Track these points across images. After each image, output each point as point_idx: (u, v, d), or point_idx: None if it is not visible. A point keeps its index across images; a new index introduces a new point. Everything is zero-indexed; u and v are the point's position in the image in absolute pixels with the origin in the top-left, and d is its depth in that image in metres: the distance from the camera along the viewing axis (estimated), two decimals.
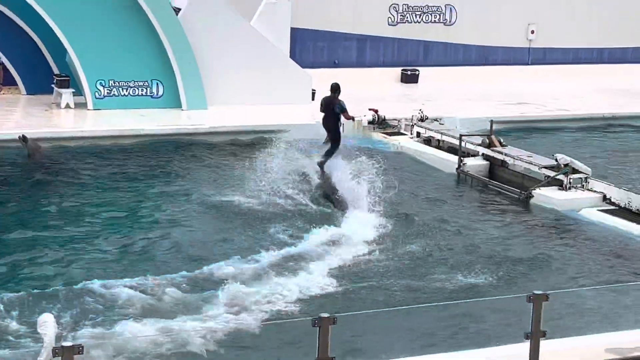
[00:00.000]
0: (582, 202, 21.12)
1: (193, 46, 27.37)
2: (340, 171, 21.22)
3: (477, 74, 34.28)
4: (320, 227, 18.79)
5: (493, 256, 17.94)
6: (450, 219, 20.07)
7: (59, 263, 16.75)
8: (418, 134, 26.22)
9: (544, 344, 11.26)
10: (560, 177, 21.65)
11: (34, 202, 20.18)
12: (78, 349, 9.28)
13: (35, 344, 12.80)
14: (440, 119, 26.79)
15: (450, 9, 34.60)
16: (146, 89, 27.51)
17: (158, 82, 27.53)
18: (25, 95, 28.41)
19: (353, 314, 13.62)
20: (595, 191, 21.36)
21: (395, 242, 18.30)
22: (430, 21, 34.47)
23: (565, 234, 19.73)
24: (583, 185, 21.61)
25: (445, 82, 33.04)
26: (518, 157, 22.88)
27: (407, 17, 34.17)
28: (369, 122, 26.95)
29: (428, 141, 25.82)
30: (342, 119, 21.86)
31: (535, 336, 11.16)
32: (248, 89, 28.10)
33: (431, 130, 25.90)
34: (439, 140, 25.53)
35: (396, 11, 34.03)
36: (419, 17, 34.33)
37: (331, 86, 21.75)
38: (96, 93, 27.05)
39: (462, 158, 23.62)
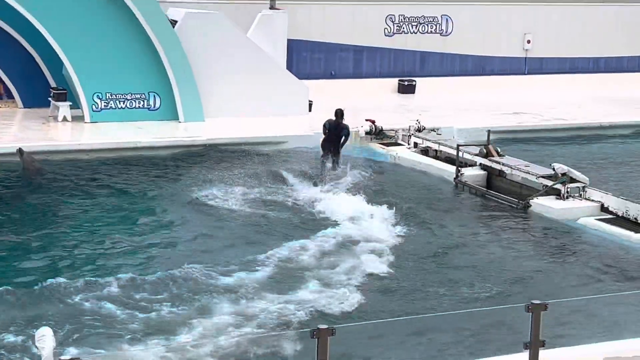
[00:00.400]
0: (580, 211, 21.12)
1: (190, 58, 27.39)
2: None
3: (474, 84, 34.35)
4: (319, 236, 18.82)
5: (490, 266, 17.92)
6: (448, 229, 20.07)
7: (55, 274, 16.71)
8: (415, 145, 26.23)
9: (543, 354, 11.24)
10: (558, 186, 21.66)
11: (27, 215, 20.15)
12: None
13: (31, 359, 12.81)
14: (438, 129, 26.81)
15: (447, 19, 34.67)
16: (143, 101, 27.53)
17: (155, 94, 27.55)
18: (23, 108, 28.42)
19: (351, 325, 13.60)
20: (593, 200, 21.37)
21: (393, 253, 18.28)
22: (427, 32, 34.54)
23: (563, 243, 19.72)
24: (581, 195, 21.62)
25: (442, 93, 33.10)
26: (515, 166, 22.89)
27: (403, 28, 34.23)
28: (366, 133, 26.95)
29: (425, 151, 25.82)
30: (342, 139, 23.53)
31: (534, 346, 11.14)
32: (245, 100, 28.13)
33: (428, 140, 25.92)
34: (436, 150, 25.53)
35: (392, 22, 34.09)
36: (416, 28, 34.39)
37: (336, 112, 23.49)
38: (93, 106, 27.06)
39: (459, 168, 23.63)
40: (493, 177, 23.42)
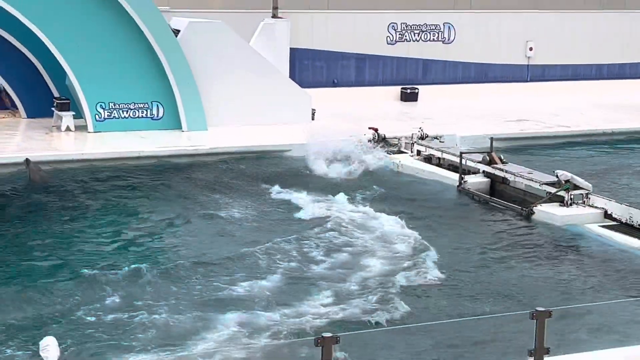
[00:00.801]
0: (583, 218, 21.10)
1: (192, 68, 27.44)
2: None
3: (477, 91, 34.39)
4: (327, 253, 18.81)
5: (494, 273, 17.91)
6: (452, 237, 20.06)
7: (59, 284, 16.72)
8: (418, 152, 26.23)
9: None
10: (561, 193, 21.65)
11: (31, 225, 20.16)
12: None
13: None
14: (441, 137, 26.81)
15: (449, 27, 34.71)
16: (146, 110, 27.57)
17: (158, 103, 27.60)
18: (26, 118, 28.47)
19: (356, 333, 13.60)
20: (596, 207, 21.35)
21: (397, 261, 18.27)
22: (429, 39, 34.58)
23: (567, 250, 19.70)
24: (584, 201, 21.60)
25: (445, 100, 33.13)
26: (519, 173, 22.89)
27: (405, 36, 34.28)
28: (369, 141, 26.97)
29: (428, 159, 25.83)
30: None
31: (539, 353, 11.13)
32: (248, 109, 28.16)
33: (431, 148, 25.92)
34: (439, 158, 25.53)
35: (395, 30, 34.14)
36: (418, 36, 34.44)
37: None
38: (96, 115, 27.10)
39: (462, 175, 23.63)
40: (496, 185, 23.42)
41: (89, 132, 27.06)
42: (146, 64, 27.22)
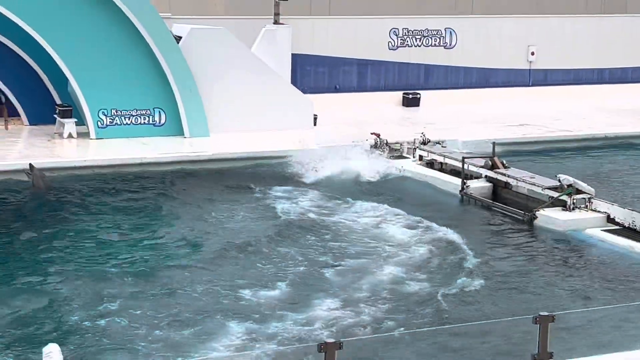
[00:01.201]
0: (586, 223, 21.09)
1: (194, 74, 27.45)
2: None
3: (479, 96, 34.36)
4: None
5: (496, 278, 17.89)
6: (455, 242, 20.04)
7: (61, 290, 16.72)
8: (420, 157, 26.23)
9: None
10: (564, 197, 21.64)
11: (34, 230, 20.17)
12: None
13: None
14: (443, 142, 26.81)
15: (450, 32, 34.71)
16: (148, 117, 27.58)
17: (160, 110, 27.60)
18: (28, 125, 28.49)
19: (359, 338, 13.59)
20: (599, 211, 21.34)
21: (399, 267, 18.26)
22: (431, 45, 34.58)
23: (569, 254, 19.70)
24: (587, 206, 21.60)
25: (447, 105, 33.12)
26: (521, 178, 22.89)
27: (407, 41, 34.28)
28: (371, 146, 26.97)
29: (431, 164, 25.83)
30: None
31: (542, 357, 11.13)
32: (250, 115, 28.15)
33: (434, 153, 25.92)
34: (441, 163, 25.53)
35: (396, 35, 34.15)
36: (420, 41, 34.43)
37: None
38: (99, 122, 27.11)
39: (465, 180, 23.63)
40: (499, 189, 23.42)
41: (91, 138, 27.07)
42: (148, 70, 27.23)
